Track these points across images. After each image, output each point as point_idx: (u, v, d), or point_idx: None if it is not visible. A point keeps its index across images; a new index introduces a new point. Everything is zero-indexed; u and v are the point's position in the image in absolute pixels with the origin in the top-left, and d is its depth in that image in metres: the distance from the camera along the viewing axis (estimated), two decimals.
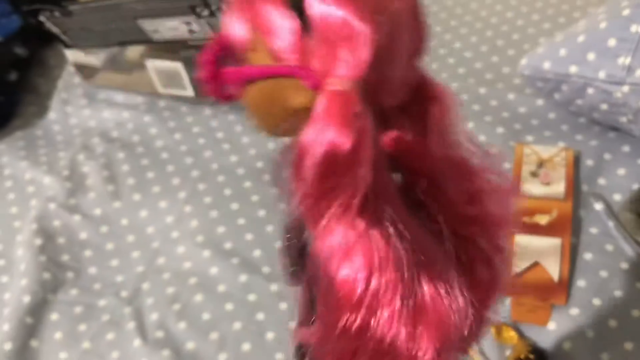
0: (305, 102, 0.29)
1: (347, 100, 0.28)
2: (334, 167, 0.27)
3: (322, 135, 0.27)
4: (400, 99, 0.32)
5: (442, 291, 0.29)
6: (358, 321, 0.28)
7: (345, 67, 0.28)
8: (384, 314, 0.28)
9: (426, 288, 0.29)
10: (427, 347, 0.29)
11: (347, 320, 0.28)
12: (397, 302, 0.28)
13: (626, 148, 0.77)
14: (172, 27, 0.82)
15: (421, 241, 0.29)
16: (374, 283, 0.28)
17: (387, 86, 0.30)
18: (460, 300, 0.30)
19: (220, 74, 0.31)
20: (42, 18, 0.87)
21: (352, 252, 0.28)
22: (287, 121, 0.31)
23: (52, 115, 1.00)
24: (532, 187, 0.73)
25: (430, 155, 0.32)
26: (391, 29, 0.28)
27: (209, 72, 0.32)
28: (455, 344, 0.31)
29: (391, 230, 0.28)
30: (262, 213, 0.80)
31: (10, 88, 1.02)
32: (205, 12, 0.78)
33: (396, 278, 0.28)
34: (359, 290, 0.28)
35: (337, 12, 0.27)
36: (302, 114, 0.29)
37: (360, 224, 0.27)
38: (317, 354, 0.32)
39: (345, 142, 0.27)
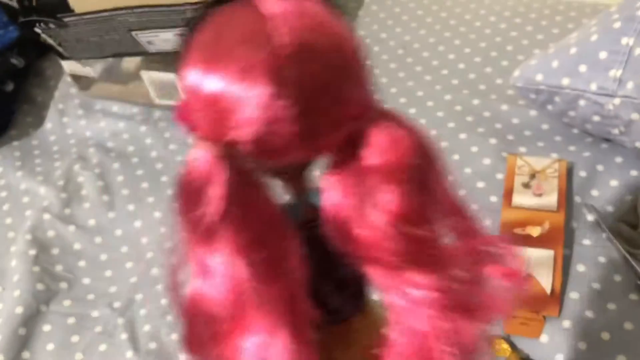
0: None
1: (207, 161, 0.28)
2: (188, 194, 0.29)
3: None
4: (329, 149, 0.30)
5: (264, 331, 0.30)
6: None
7: (213, 132, 0.28)
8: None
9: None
10: None
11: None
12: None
13: (619, 159, 0.77)
14: (166, 39, 0.83)
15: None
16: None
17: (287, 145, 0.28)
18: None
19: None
20: (38, 30, 0.88)
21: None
22: None
23: (48, 125, 1.01)
24: (525, 199, 0.73)
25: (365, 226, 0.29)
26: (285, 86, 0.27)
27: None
28: None
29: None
30: None
31: (7, 98, 1.02)
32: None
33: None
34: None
35: (207, 86, 0.27)
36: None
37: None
38: None
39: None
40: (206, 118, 0.28)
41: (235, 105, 0.26)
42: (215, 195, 0.28)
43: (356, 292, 0.37)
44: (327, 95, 0.28)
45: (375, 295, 0.37)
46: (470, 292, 0.32)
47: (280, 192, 0.34)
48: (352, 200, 0.29)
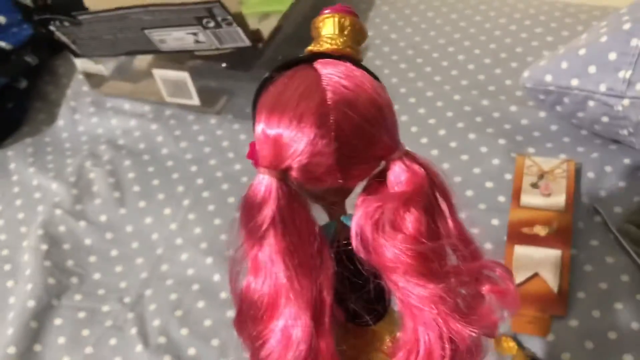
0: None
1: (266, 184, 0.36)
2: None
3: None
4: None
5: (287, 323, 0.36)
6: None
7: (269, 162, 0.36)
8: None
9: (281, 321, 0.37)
10: None
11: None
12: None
13: (627, 160, 0.77)
14: (178, 38, 0.83)
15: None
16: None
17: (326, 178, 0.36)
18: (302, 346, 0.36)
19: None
20: (52, 28, 0.89)
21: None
22: None
23: (60, 122, 1.02)
24: (533, 199, 0.74)
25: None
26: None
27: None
28: None
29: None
30: None
31: (20, 95, 1.04)
32: (211, 24, 0.79)
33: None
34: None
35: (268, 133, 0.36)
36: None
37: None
38: None
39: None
40: (268, 152, 0.36)
41: (290, 142, 0.35)
42: (269, 209, 0.36)
43: (379, 301, 0.43)
44: (361, 136, 0.35)
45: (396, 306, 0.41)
46: (469, 302, 0.38)
47: (321, 215, 0.41)
48: (375, 219, 0.36)
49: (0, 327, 0.74)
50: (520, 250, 0.70)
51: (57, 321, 0.75)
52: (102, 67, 1.01)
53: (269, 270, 0.36)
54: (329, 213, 0.42)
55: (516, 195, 0.75)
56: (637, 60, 0.68)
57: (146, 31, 0.84)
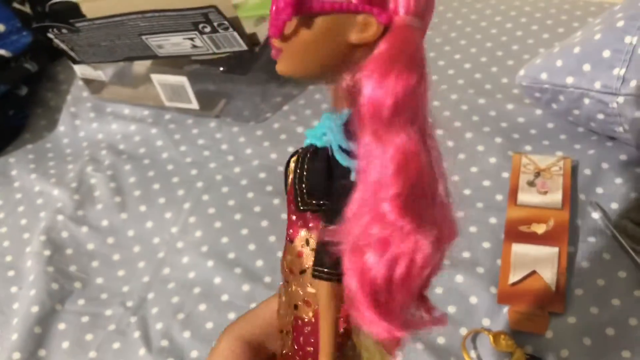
0: (368, 38, 0.32)
1: (415, 35, 0.32)
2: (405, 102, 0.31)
3: (394, 74, 0.31)
4: None
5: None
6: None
7: (407, 6, 0.32)
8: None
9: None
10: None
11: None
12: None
13: (623, 157, 0.77)
14: (176, 43, 0.84)
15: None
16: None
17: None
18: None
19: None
20: (50, 35, 0.90)
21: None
22: (333, 60, 0.33)
23: (61, 128, 1.03)
24: (530, 197, 0.74)
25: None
26: None
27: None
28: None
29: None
30: (264, 223, 0.81)
31: (20, 102, 1.04)
32: (208, 29, 0.80)
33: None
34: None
35: None
36: (357, 52, 0.33)
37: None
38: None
39: (413, 77, 0.31)
40: None
41: None
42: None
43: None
44: None
45: None
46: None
47: None
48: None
49: (5, 333, 0.75)
50: (517, 248, 0.70)
51: (61, 326, 0.75)
52: (101, 73, 1.02)
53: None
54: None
55: (513, 193, 0.75)
56: (631, 58, 0.69)
57: (143, 37, 0.85)
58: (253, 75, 0.92)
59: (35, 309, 0.76)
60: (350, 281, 0.33)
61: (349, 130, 0.34)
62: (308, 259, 0.38)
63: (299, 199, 0.36)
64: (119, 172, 0.92)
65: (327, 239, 0.34)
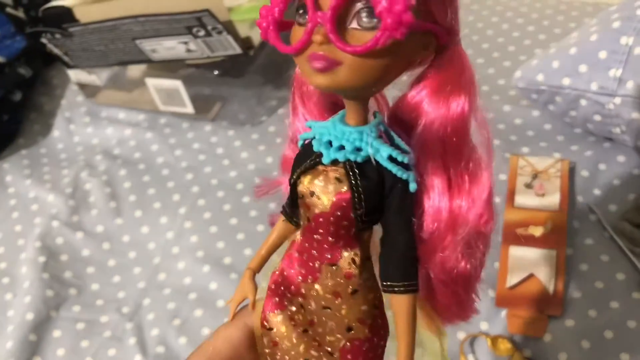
0: (427, 56, 0.34)
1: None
2: None
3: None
4: None
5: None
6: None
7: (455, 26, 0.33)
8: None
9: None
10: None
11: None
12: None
13: (621, 158, 0.77)
14: (170, 47, 0.84)
15: None
16: None
17: None
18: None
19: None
20: (44, 40, 0.89)
21: None
22: (395, 77, 0.34)
23: (56, 133, 1.02)
24: (527, 199, 0.74)
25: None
26: None
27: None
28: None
29: None
30: (260, 228, 0.80)
31: (15, 108, 1.04)
32: (202, 33, 0.79)
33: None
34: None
35: None
36: (412, 67, 0.34)
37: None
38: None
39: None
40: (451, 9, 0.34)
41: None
42: None
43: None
44: None
45: None
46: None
47: None
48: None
49: (0, 341, 0.74)
50: (515, 251, 0.70)
51: (56, 333, 0.75)
52: (96, 77, 1.01)
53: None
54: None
55: (510, 195, 0.75)
56: (627, 59, 0.68)
57: (137, 41, 0.84)
58: (248, 79, 0.92)
59: (30, 316, 0.75)
60: (452, 284, 0.36)
61: (388, 137, 0.35)
62: (358, 278, 0.36)
63: (359, 221, 0.35)
64: (114, 177, 0.92)
65: (407, 251, 0.35)
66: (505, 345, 0.63)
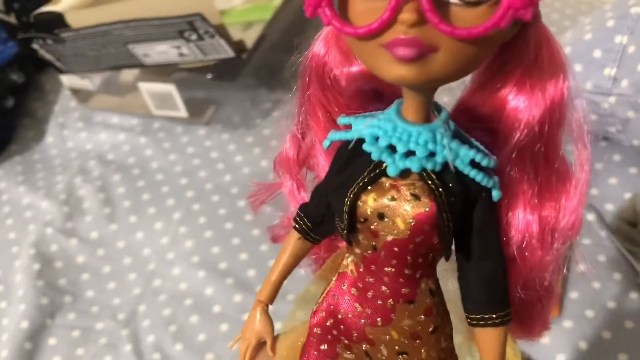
0: (509, 36, 0.28)
1: None
2: None
3: None
4: None
5: None
6: None
7: None
8: None
9: None
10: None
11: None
12: None
13: (617, 157, 0.77)
14: (162, 52, 0.83)
15: None
16: None
17: None
18: None
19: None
20: (35, 46, 0.88)
21: None
22: (482, 64, 0.28)
23: (49, 139, 1.02)
24: None
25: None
26: None
27: None
28: None
29: None
30: (256, 232, 0.80)
31: (7, 114, 1.03)
32: (194, 36, 0.79)
33: None
34: None
35: None
36: None
37: None
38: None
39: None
40: None
41: None
42: None
43: None
44: None
45: None
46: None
47: None
48: None
49: None
50: None
51: (52, 341, 0.74)
52: (89, 82, 1.01)
53: None
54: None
55: None
56: (621, 57, 0.68)
57: (129, 46, 0.84)
58: (242, 82, 0.91)
59: (25, 324, 0.75)
60: (535, 299, 0.33)
61: (460, 137, 0.28)
62: (437, 313, 0.31)
63: (447, 246, 0.28)
64: (108, 183, 0.91)
65: (498, 276, 0.30)
66: None
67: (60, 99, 1.07)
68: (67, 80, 1.01)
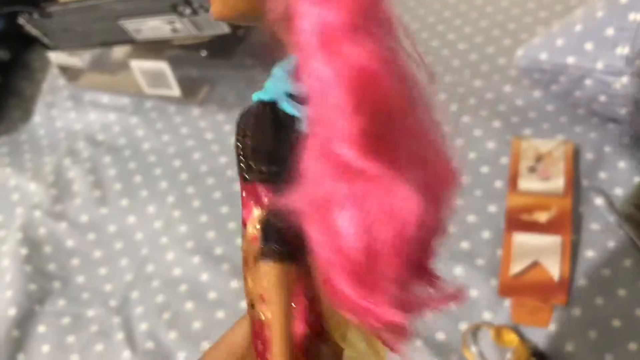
0: None
1: None
2: None
3: None
4: None
5: None
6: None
7: None
8: None
9: None
10: None
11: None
12: None
13: (627, 140, 0.74)
14: (154, 27, 0.79)
15: None
16: None
17: None
18: None
19: None
20: (21, 21, 0.85)
21: None
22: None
23: (37, 119, 0.98)
24: (531, 183, 0.71)
25: None
26: None
27: None
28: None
29: None
30: None
31: None
32: (188, 11, 0.75)
33: None
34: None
35: None
36: None
37: None
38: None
39: None
40: None
41: None
42: None
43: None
44: None
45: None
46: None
47: None
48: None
49: None
50: (519, 237, 0.67)
51: (41, 328, 0.72)
52: (78, 60, 0.97)
53: None
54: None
55: (513, 180, 0.72)
56: (635, 36, 0.65)
57: (120, 21, 0.80)
58: (237, 60, 0.88)
59: (12, 311, 0.72)
60: (320, 255, 0.26)
61: (297, 75, 0.28)
62: None
63: (242, 165, 0.30)
64: (98, 165, 0.88)
65: (277, 209, 0.27)
66: (509, 336, 0.61)
67: (48, 77, 1.03)
68: (55, 57, 0.97)
